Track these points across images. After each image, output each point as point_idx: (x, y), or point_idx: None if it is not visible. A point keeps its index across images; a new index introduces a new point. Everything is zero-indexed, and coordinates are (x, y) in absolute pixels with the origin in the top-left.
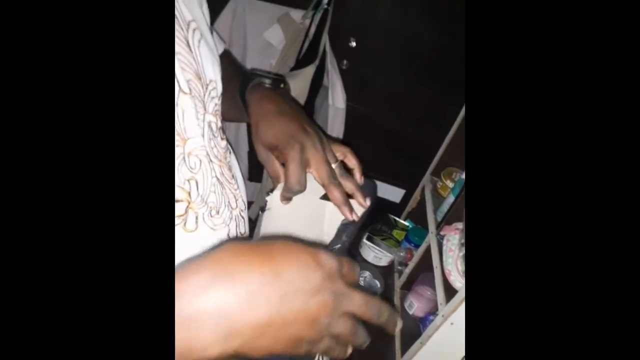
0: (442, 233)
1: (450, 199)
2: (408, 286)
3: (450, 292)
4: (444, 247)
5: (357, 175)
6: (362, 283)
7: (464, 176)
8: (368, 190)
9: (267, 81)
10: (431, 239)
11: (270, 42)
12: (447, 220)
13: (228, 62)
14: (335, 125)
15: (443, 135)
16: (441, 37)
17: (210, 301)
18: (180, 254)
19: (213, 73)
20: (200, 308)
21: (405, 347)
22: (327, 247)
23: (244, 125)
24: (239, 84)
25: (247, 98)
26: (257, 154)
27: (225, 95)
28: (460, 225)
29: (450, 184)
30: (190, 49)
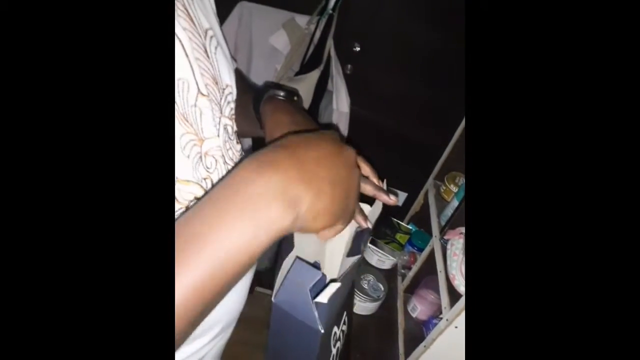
0: (446, 237)
1: (454, 203)
2: (411, 289)
3: (454, 296)
4: (448, 252)
5: (375, 180)
6: (365, 286)
7: None
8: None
9: (281, 93)
10: (435, 243)
11: (275, 47)
12: (451, 224)
13: (238, 78)
14: (339, 129)
15: (447, 139)
16: (445, 42)
17: (270, 179)
18: None
19: (229, 78)
20: (263, 187)
21: (409, 350)
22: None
23: None
24: (253, 96)
25: (262, 110)
26: None
27: (237, 109)
28: (464, 230)
29: (454, 189)
30: (208, 55)
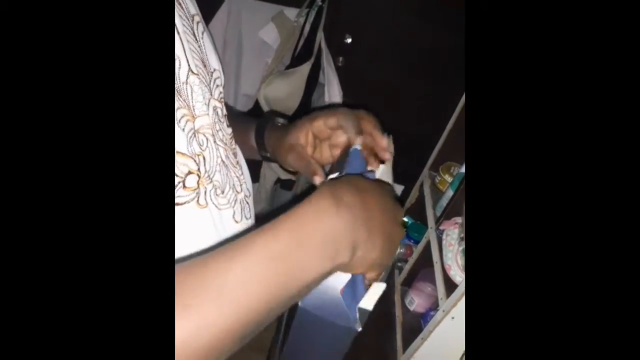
0: (441, 228)
1: (449, 193)
2: (408, 282)
3: (450, 286)
4: (444, 242)
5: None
6: None
7: (462, 170)
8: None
9: (281, 120)
10: (430, 234)
11: (265, 40)
12: (447, 214)
13: (227, 107)
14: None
15: (441, 129)
16: (436, 32)
17: (346, 224)
18: (195, 230)
19: (216, 63)
20: (340, 230)
21: (407, 343)
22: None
23: None
24: (257, 122)
25: (267, 135)
26: (291, 153)
27: (232, 133)
28: (460, 220)
29: (449, 179)
30: (196, 39)
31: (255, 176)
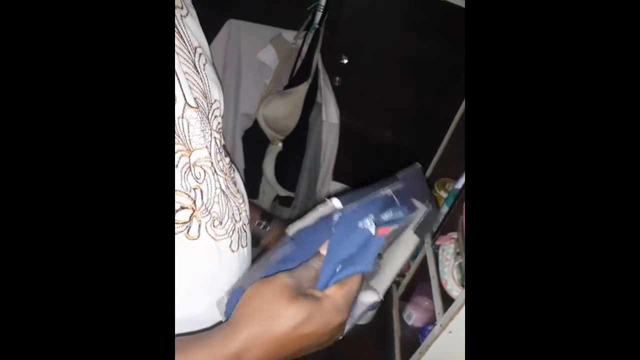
0: (437, 243)
1: (445, 209)
2: (406, 297)
3: (447, 301)
4: (440, 257)
5: None
6: None
7: (457, 186)
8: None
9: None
10: (427, 249)
11: (264, 62)
12: (442, 230)
13: None
14: (330, 140)
15: (435, 147)
16: (430, 51)
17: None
18: (181, 260)
19: (217, 94)
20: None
21: (405, 357)
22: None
23: (239, 143)
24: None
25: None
26: None
27: None
28: (455, 235)
29: (444, 195)
30: (197, 71)
31: (254, 192)
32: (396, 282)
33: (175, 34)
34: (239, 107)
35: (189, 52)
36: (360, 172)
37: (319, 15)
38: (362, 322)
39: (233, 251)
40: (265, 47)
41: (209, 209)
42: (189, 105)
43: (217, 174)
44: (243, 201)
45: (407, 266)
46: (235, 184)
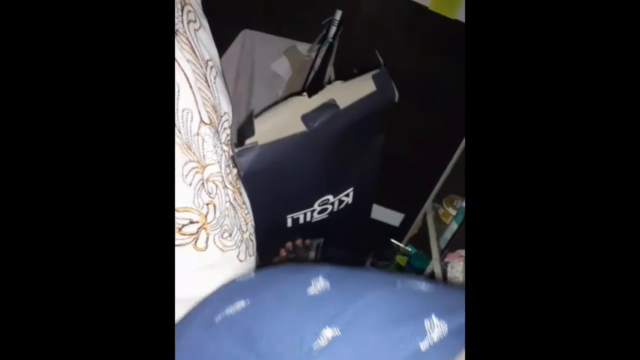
0: (445, 260)
1: (454, 226)
2: None
3: None
4: (449, 275)
5: None
6: None
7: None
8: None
9: None
10: (435, 265)
11: (277, 72)
12: (451, 247)
13: None
14: None
15: (445, 162)
16: (443, 65)
17: None
18: (189, 269)
19: (227, 106)
20: None
21: None
22: None
23: None
24: None
25: None
26: None
27: None
28: (464, 252)
29: (453, 212)
30: (208, 85)
31: None
32: None
33: (189, 49)
34: (250, 107)
35: (201, 66)
36: None
37: (333, 29)
38: None
39: (241, 261)
40: (279, 58)
41: (220, 222)
42: (204, 122)
43: (226, 188)
44: (248, 212)
45: None
46: (241, 194)
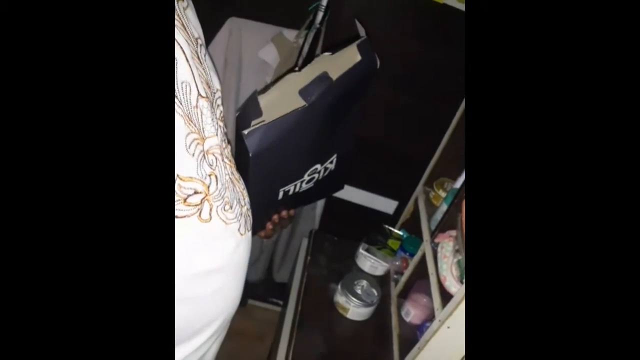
0: (436, 241)
1: (444, 207)
2: (404, 294)
3: (445, 297)
4: (439, 254)
5: None
6: (359, 291)
7: (456, 185)
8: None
9: None
10: (426, 246)
11: (265, 60)
12: (441, 228)
13: None
14: None
15: (434, 147)
16: (431, 51)
17: None
18: (195, 242)
19: (217, 83)
20: None
21: (404, 354)
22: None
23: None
24: None
25: None
26: None
27: None
28: (454, 233)
29: (443, 194)
30: (200, 62)
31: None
32: (394, 280)
33: (180, 25)
34: (239, 106)
35: (192, 44)
36: (359, 171)
37: (320, 15)
38: (360, 319)
39: (241, 234)
40: (266, 46)
41: (222, 194)
42: (201, 95)
43: (224, 161)
44: (244, 187)
45: (405, 264)
46: (237, 170)
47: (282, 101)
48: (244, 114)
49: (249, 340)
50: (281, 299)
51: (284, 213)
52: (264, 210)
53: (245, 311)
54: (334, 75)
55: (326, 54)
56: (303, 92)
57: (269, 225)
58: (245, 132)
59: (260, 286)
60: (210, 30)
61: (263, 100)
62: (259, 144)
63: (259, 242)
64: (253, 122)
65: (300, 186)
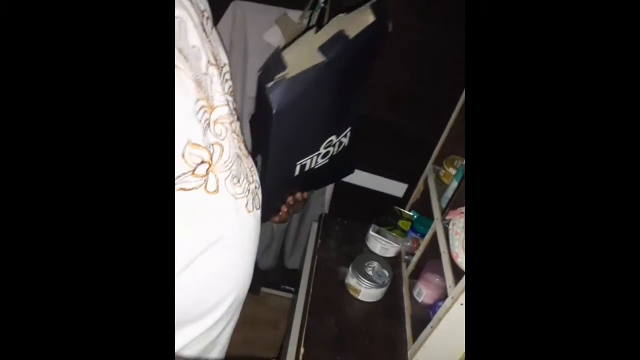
0: (447, 218)
1: (454, 184)
2: (416, 275)
3: (458, 274)
4: (450, 231)
5: None
6: (370, 272)
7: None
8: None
9: None
10: (437, 225)
11: (270, 43)
12: (452, 205)
13: None
14: None
15: (442, 126)
16: (437, 31)
17: None
18: (203, 214)
19: (225, 58)
20: None
21: (416, 333)
22: None
23: (246, 127)
24: None
25: None
26: None
27: None
28: (464, 209)
29: (453, 171)
30: (207, 35)
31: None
32: (406, 261)
33: None
34: (245, 91)
35: (199, 16)
36: (367, 155)
37: None
38: (371, 300)
39: (249, 211)
40: (271, 28)
41: (229, 166)
42: (210, 63)
43: (233, 134)
44: (252, 165)
45: (415, 244)
46: (246, 146)
47: (302, 58)
48: (266, 71)
49: (263, 327)
50: (293, 286)
51: (298, 195)
52: (280, 190)
53: (259, 299)
54: (351, 34)
55: (341, 14)
56: (322, 48)
57: (284, 208)
58: (269, 84)
59: (272, 273)
60: (213, 15)
61: (285, 57)
62: (282, 99)
63: (270, 229)
64: (277, 77)
65: (316, 161)
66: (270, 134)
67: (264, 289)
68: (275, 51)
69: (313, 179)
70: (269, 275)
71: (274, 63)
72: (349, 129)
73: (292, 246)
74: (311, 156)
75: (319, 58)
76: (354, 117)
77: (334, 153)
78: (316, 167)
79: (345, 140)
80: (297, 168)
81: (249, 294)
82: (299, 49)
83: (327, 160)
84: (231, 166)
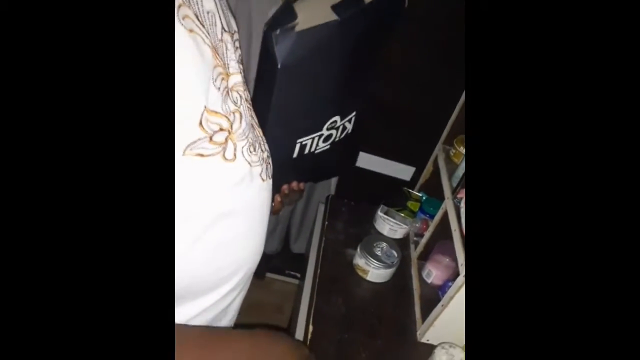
0: (459, 196)
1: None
2: (425, 256)
3: None
4: (462, 209)
5: None
6: (379, 253)
7: None
8: None
9: None
10: (448, 204)
11: None
12: (463, 184)
13: None
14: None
15: (453, 105)
16: (442, 8)
17: None
18: (220, 181)
19: (235, 26)
20: None
21: (426, 314)
22: None
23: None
24: None
25: None
26: None
27: None
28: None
29: (463, 150)
30: (216, 4)
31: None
32: (414, 243)
33: None
34: (250, 73)
35: None
36: (374, 138)
37: None
38: (380, 280)
39: (263, 180)
40: (275, 5)
41: (246, 134)
42: (224, 30)
43: (247, 102)
44: (262, 134)
45: (424, 226)
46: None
47: (313, 14)
48: (274, 22)
49: (268, 312)
50: (299, 272)
51: (294, 184)
52: (275, 173)
53: (264, 284)
54: None
55: None
56: (336, 7)
57: (277, 198)
58: (277, 31)
59: (277, 258)
60: None
61: (298, 7)
62: (288, 53)
63: None
64: (285, 26)
65: (317, 144)
66: (273, 93)
67: (269, 275)
68: (285, 1)
69: (311, 167)
70: (274, 260)
71: (283, 11)
72: (354, 113)
73: (297, 230)
74: (312, 135)
75: (332, 16)
76: (360, 102)
77: (336, 139)
78: (316, 151)
79: (349, 127)
80: (297, 148)
81: (254, 279)
82: (311, 4)
83: (328, 146)
84: (248, 134)
